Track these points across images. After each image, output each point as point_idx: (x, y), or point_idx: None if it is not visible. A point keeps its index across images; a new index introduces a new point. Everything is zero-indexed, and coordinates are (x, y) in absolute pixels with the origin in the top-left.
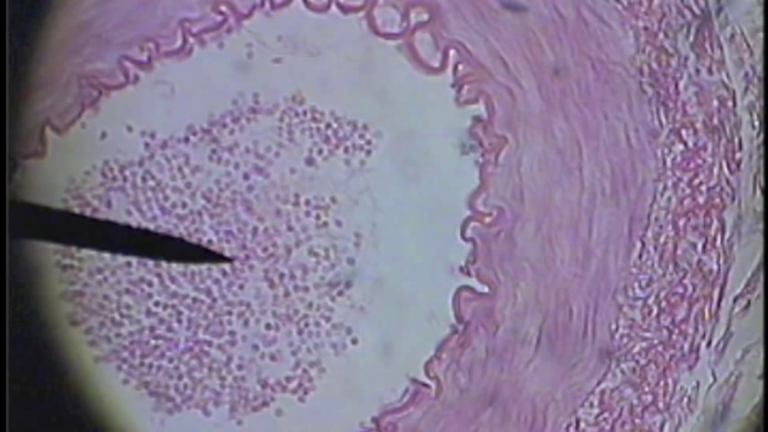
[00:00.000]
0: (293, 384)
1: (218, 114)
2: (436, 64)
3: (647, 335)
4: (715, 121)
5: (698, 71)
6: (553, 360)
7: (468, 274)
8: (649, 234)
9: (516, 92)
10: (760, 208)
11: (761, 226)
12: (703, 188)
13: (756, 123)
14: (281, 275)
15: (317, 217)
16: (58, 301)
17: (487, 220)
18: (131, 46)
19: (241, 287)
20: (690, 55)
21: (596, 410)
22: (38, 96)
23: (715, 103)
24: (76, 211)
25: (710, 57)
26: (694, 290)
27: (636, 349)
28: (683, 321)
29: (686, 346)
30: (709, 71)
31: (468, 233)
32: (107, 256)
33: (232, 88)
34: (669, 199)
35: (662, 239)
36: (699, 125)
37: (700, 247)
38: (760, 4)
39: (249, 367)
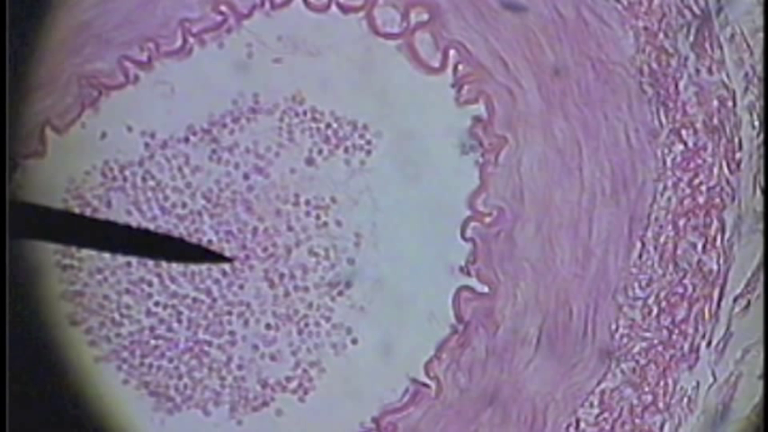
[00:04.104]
0: (293, 384)
1: (218, 114)
2: (436, 64)
3: (647, 335)
4: (715, 121)
5: (698, 71)
6: (553, 360)
7: (468, 274)
8: (649, 234)
9: (516, 92)
10: (760, 208)
11: (761, 226)
12: (703, 188)
13: (756, 123)
14: (281, 275)
15: (317, 217)
16: (58, 301)
17: (487, 220)
18: (131, 46)
19: (241, 287)
20: (690, 55)
21: (596, 410)
22: (38, 96)
23: (715, 103)
24: (76, 211)
25: (710, 57)
26: (694, 290)
27: (636, 349)
28: (683, 321)
29: (686, 346)
30: (709, 71)
31: (468, 233)
32: (107, 256)
33: (232, 88)
34: (669, 199)
35: (662, 239)
36: (699, 125)
37: (700, 247)
38: (760, 4)
39: (249, 367)
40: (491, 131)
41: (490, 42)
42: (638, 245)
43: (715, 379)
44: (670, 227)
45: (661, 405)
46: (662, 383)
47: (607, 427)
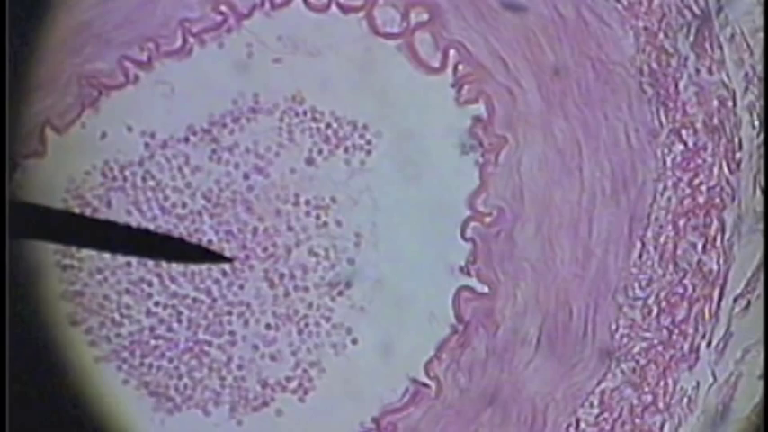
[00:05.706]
0: (293, 384)
1: (218, 114)
2: (436, 64)
3: (647, 335)
4: (715, 121)
5: (698, 71)
6: (553, 360)
7: (468, 274)
8: (649, 234)
9: (516, 92)
10: (760, 208)
11: (761, 226)
12: (703, 188)
13: (756, 123)
14: (281, 275)
15: (317, 217)
16: (58, 301)
17: (487, 220)
18: (131, 46)
19: (241, 287)
20: (690, 55)
21: (596, 410)
22: (38, 96)
23: (715, 103)
24: (76, 211)
25: (710, 57)
26: (694, 290)
27: (636, 349)
28: (683, 321)
29: (686, 346)
30: (709, 71)
31: (468, 233)
32: (107, 256)
33: (232, 88)
34: (669, 199)
35: (662, 239)
36: (699, 125)
37: (700, 247)
38: (760, 4)
39: (249, 367)
40: (491, 131)
41: (490, 42)
42: (638, 245)
43: (715, 379)
44: (670, 227)
45: (661, 405)
46: (662, 383)
47: (607, 427)
